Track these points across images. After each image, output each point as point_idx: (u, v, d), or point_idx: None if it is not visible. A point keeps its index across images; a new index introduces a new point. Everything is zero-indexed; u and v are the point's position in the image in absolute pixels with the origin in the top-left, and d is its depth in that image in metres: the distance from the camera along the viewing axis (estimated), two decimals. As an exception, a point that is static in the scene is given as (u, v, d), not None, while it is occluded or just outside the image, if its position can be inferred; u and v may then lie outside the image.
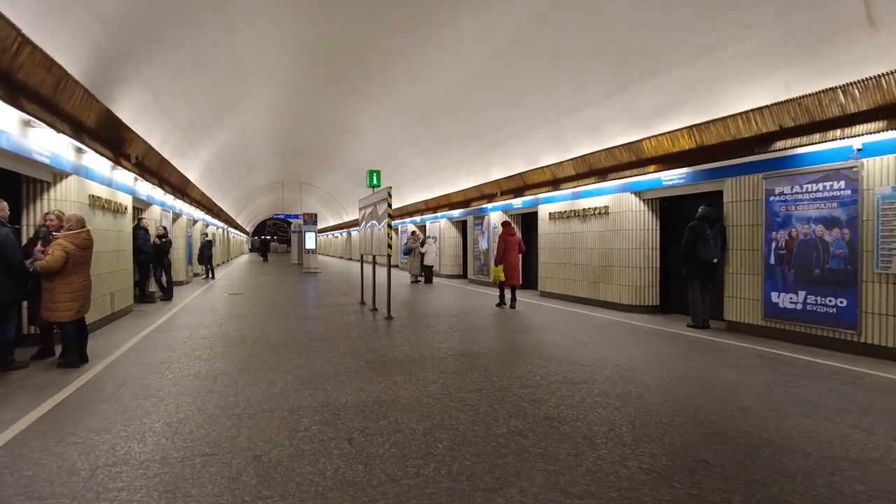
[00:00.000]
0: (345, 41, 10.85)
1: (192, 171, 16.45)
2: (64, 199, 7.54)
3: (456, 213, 19.48)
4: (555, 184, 12.64)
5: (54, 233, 5.87)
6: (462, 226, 20.82)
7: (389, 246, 9.59)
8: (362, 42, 10.89)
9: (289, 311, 10.87)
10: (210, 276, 20.51)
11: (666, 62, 8.26)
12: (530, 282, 15.61)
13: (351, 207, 36.64)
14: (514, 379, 5.43)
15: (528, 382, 5.29)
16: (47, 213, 6.19)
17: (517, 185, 14.36)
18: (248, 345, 7.28)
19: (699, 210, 8.75)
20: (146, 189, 12.09)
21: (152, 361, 6.24)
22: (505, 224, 11.60)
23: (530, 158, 13.34)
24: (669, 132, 9.00)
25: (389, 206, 9.45)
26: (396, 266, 26.98)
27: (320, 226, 48.25)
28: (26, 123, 6.12)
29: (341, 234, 48.43)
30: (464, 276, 20.70)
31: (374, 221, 10.60)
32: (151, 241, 12.55)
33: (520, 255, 11.37)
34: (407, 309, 11.21)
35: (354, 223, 38.05)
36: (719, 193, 8.96)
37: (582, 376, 5.55)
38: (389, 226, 9.50)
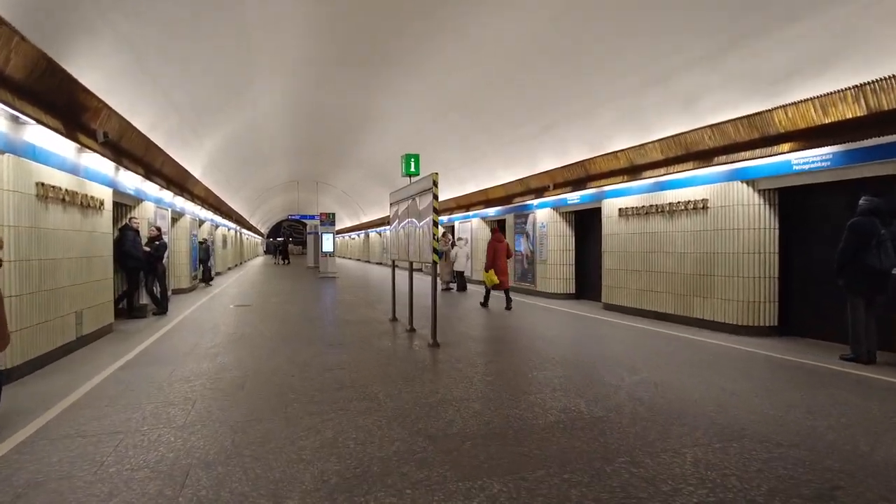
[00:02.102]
0: (368, 16, 8.77)
1: (194, 165, 14.35)
2: (-8, 186, 5.40)
3: (491, 211, 17.19)
4: (632, 172, 10.27)
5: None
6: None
7: (436, 251, 7.33)
8: (391, 16, 8.79)
9: (304, 331, 8.65)
10: (207, 281, 18.54)
11: (808, 2, 5.99)
12: (590, 292, 13.26)
13: (369, 207, 34.58)
14: (686, 480, 3.13)
15: (722, 487, 2.99)
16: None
17: (576, 176, 12.02)
18: (247, 395, 5.06)
19: (862, 203, 6.39)
20: (133, 181, 9.96)
21: (94, 434, 4.00)
22: (493, 231, 12.33)
23: (594, 142, 11.01)
24: (818, 97, 6.63)
25: (435, 197, 7.20)
26: (420, 270, 24.74)
27: (336, 227, 46.22)
28: None
29: (358, 235, 46.53)
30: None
31: (411, 219, 8.35)
32: (143, 244, 10.43)
33: (508, 260, 12.23)
34: (451, 328, 8.95)
35: (373, 224, 36.05)
36: (889, 179, 6.60)
37: (797, 475, 3.23)
38: (435, 223, 7.24)
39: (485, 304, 12.26)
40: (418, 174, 8.94)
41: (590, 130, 10.86)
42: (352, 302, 13.05)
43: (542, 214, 14.17)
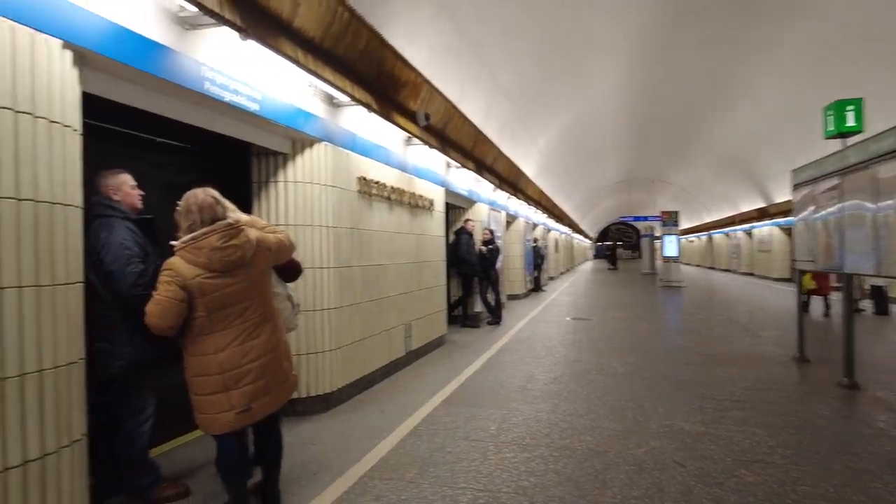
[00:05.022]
0: None
1: (527, 163, 13.33)
2: (308, 180, 4.62)
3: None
4: None
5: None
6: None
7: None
8: None
9: (669, 369, 6.18)
10: (539, 288, 17.37)
11: None
12: None
13: (716, 205, 29.62)
14: None
15: None
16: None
17: None
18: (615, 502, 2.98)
19: None
20: (465, 180, 9.14)
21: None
22: None
23: None
24: None
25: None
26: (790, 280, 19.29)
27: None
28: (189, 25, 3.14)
29: (698, 237, 41.16)
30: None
31: (854, 201, 5.09)
32: (477, 248, 9.59)
33: None
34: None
35: (719, 224, 30.90)
36: None
37: None
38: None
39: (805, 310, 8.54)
40: (860, 129, 5.57)
41: None
42: (718, 324, 9.92)
43: None
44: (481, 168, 9.41)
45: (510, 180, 12.15)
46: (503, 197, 12.30)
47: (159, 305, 2.40)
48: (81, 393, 2.56)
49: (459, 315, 9.75)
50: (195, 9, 2.89)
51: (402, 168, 6.36)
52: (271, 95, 3.93)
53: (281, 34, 3.56)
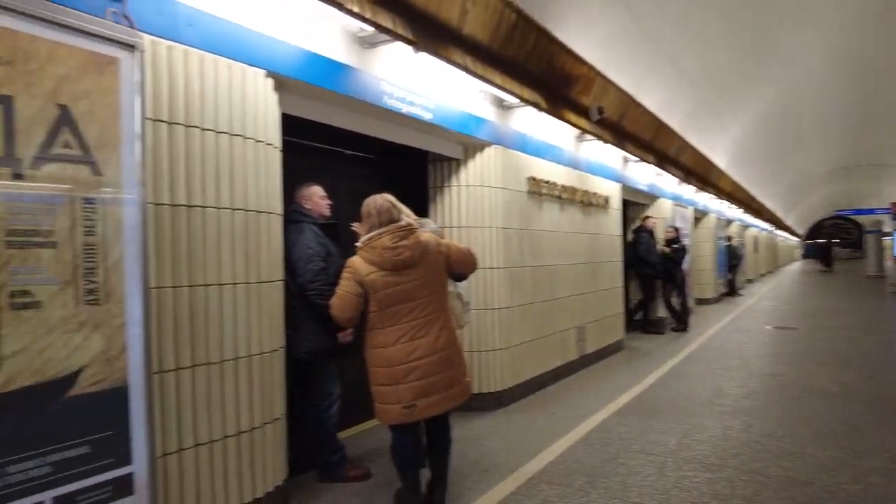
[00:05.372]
0: None
1: (716, 153, 12.09)
2: (479, 183, 4.72)
3: None
4: None
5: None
6: None
7: None
8: None
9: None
10: (734, 293, 15.57)
11: None
12: None
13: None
14: None
15: None
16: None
17: None
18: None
19: None
20: (645, 174, 8.61)
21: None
22: None
23: None
24: None
25: None
26: None
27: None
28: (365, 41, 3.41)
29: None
30: None
31: None
32: (658, 248, 8.97)
33: None
34: None
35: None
36: None
37: None
38: None
39: None
40: None
41: None
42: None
43: None
44: (663, 161, 8.77)
45: (698, 172, 11.14)
46: (690, 191, 11.33)
47: (339, 298, 2.68)
48: (282, 377, 2.95)
49: (640, 320, 9.20)
50: (372, 28, 3.12)
51: (574, 165, 6.19)
52: (443, 103, 4.11)
53: (450, 43, 3.70)
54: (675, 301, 9.27)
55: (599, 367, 6.41)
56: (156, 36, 2.30)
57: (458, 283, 3.24)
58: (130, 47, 2.08)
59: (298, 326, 3.07)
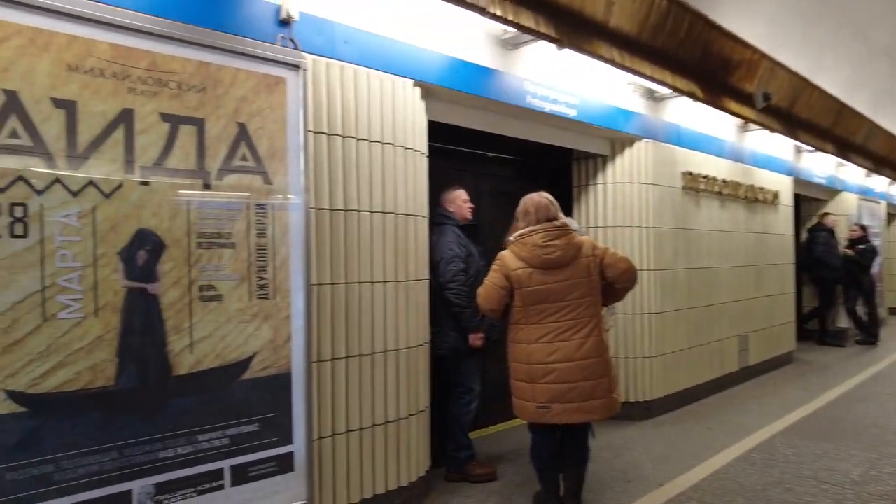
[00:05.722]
0: None
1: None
2: (627, 179, 4.51)
3: None
4: None
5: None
6: None
7: None
8: None
9: None
10: None
11: None
12: None
13: None
14: None
15: None
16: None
17: None
18: None
19: None
20: (822, 165, 7.60)
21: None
22: None
23: None
24: None
25: None
26: None
27: None
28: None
29: None
30: None
31: None
32: (840, 248, 7.86)
33: None
34: None
35: None
36: None
37: None
38: None
39: None
40: None
41: None
42: None
43: None
44: (845, 149, 7.67)
45: (892, 161, 9.57)
46: (882, 183, 9.78)
47: (485, 289, 2.73)
48: (427, 371, 3.08)
49: (815, 330, 8.13)
50: (515, 30, 3.13)
51: (737, 158, 5.66)
52: (588, 99, 3.98)
53: (594, 37, 3.57)
54: (860, 310, 8.07)
55: (764, 380, 5.79)
56: (316, 55, 2.52)
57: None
58: (296, 67, 2.32)
59: (441, 324, 3.18)
